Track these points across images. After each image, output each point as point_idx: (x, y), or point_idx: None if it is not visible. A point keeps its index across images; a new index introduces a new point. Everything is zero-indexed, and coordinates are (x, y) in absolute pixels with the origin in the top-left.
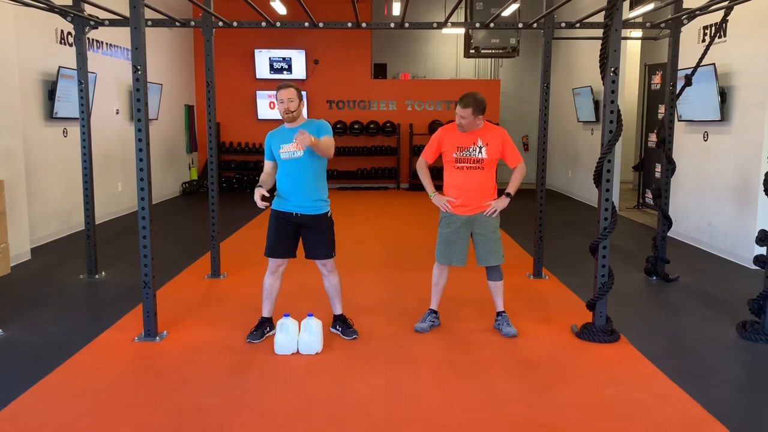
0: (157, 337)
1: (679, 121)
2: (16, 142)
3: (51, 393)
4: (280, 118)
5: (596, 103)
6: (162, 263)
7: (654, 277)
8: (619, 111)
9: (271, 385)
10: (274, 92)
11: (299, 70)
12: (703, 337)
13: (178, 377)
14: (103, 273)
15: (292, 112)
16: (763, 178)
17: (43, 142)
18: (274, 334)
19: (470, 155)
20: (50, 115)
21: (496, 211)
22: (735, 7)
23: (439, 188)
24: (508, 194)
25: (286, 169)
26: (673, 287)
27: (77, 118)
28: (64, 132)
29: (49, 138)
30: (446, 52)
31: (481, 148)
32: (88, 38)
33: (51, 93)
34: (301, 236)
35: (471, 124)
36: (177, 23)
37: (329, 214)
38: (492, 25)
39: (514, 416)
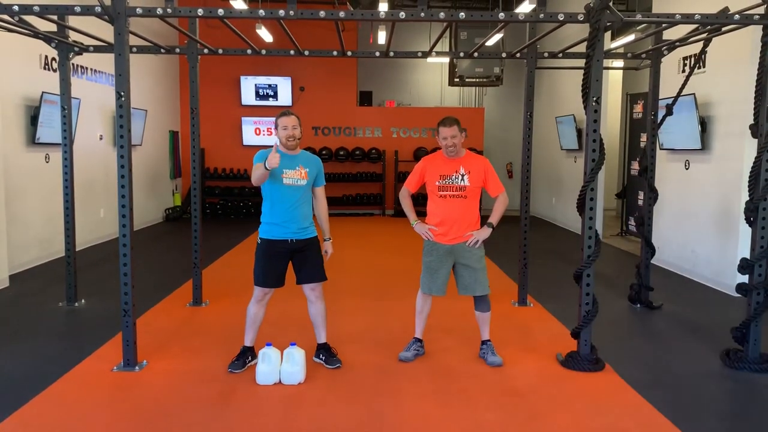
0: (137, 367)
1: (660, 149)
2: None
3: (26, 425)
4: (266, 144)
5: (579, 132)
6: (143, 291)
7: (638, 305)
8: (601, 140)
9: (252, 417)
10: (257, 118)
11: (285, 97)
12: (688, 366)
13: (158, 408)
14: (83, 300)
15: (297, 139)
16: (744, 206)
17: (25, 168)
18: (256, 364)
19: (453, 183)
20: (32, 140)
21: (478, 241)
22: (713, 39)
23: (422, 215)
24: (490, 224)
25: (286, 194)
26: (657, 315)
27: (60, 144)
28: (46, 158)
29: (31, 164)
30: (431, 80)
31: (463, 175)
32: (72, 64)
33: (34, 118)
34: (294, 262)
35: (460, 142)
36: (162, 50)
37: (317, 237)
38: (476, 54)
39: None
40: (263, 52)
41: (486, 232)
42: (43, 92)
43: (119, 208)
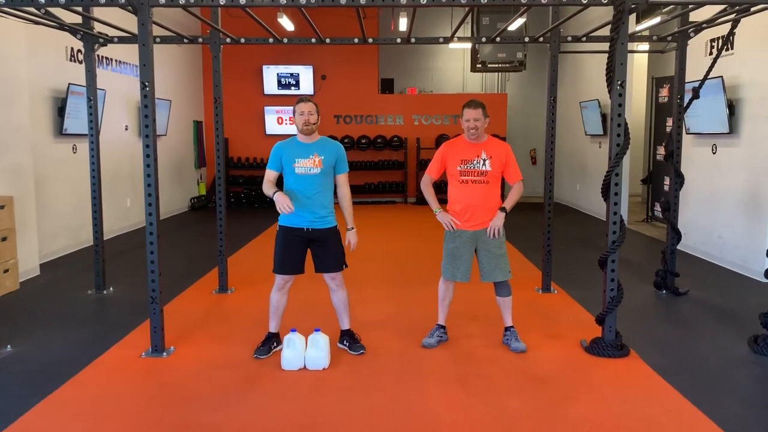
0: (164, 353)
1: (687, 133)
2: (25, 158)
3: (58, 409)
4: (288, 133)
5: (603, 116)
6: (170, 278)
7: (664, 291)
8: (626, 124)
9: (277, 402)
10: (279, 107)
11: (307, 86)
12: (714, 352)
13: (185, 393)
14: (111, 288)
15: (313, 124)
16: None
17: (53, 159)
18: (281, 350)
19: (474, 168)
20: (60, 131)
21: (499, 230)
22: (742, 20)
23: (443, 202)
24: (503, 209)
25: (299, 184)
26: (683, 301)
27: (86, 135)
28: (73, 148)
29: (59, 154)
30: (453, 66)
31: (485, 160)
32: (98, 55)
33: (61, 110)
34: (311, 250)
35: (483, 126)
36: (185, 40)
37: (337, 227)
38: (498, 39)
39: None
40: (285, 40)
41: (500, 218)
42: (69, 84)
43: (145, 197)
